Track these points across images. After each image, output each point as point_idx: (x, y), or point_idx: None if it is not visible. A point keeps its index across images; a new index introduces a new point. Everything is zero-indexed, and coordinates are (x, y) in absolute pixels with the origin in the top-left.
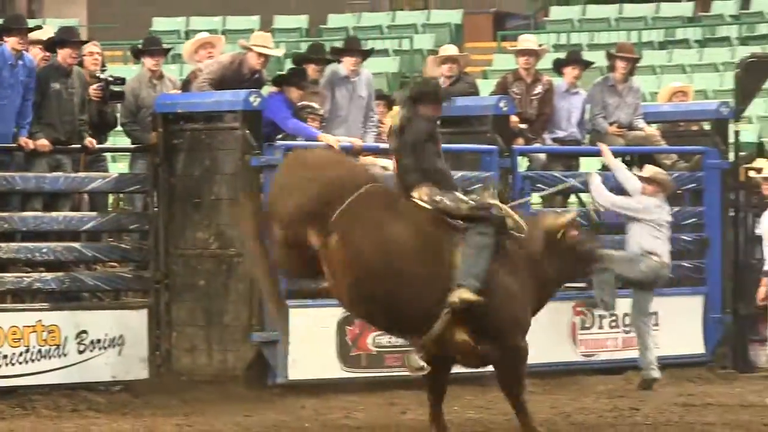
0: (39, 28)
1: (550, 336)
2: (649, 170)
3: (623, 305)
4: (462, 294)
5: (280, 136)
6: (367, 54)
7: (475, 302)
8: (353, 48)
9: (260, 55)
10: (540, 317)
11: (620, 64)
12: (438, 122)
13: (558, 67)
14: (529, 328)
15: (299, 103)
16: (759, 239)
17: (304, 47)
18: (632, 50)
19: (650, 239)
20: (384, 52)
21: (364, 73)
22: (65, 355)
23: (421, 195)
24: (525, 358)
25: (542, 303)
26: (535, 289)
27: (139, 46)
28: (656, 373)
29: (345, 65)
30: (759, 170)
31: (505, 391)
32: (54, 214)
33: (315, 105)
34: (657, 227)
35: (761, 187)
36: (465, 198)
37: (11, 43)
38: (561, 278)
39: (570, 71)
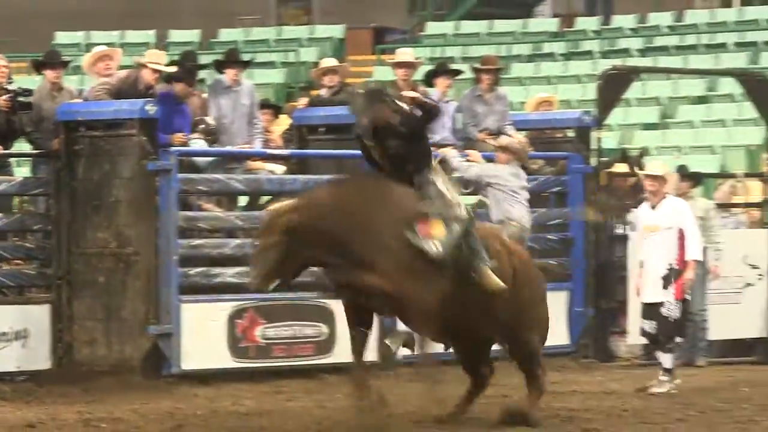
0: None
1: None
2: (503, 140)
3: None
4: None
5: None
6: (246, 65)
7: None
8: (233, 59)
9: (154, 71)
10: None
11: (485, 76)
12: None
13: (430, 78)
14: None
15: (196, 118)
16: (619, 238)
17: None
18: (496, 62)
19: (508, 206)
20: (271, 64)
21: (246, 83)
22: None
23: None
24: None
25: None
26: None
27: (41, 59)
28: None
29: (227, 75)
30: (620, 174)
31: None
32: None
33: (210, 121)
34: (513, 194)
35: (623, 187)
36: None
37: None
38: None
39: (442, 81)
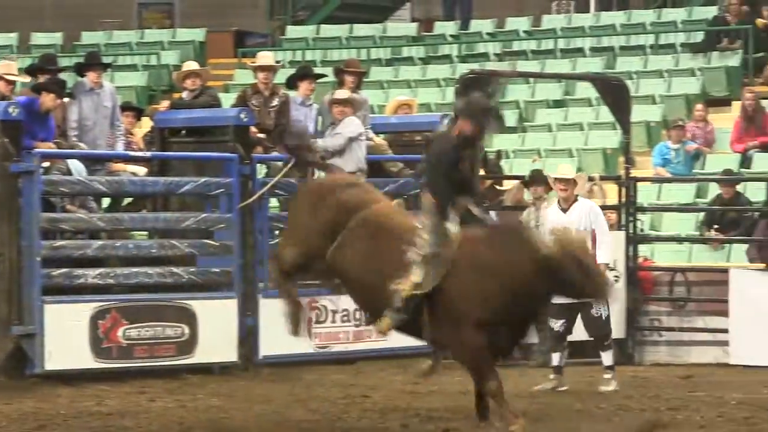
0: None
1: (286, 329)
2: (340, 93)
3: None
4: None
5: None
6: (106, 67)
7: None
8: (95, 62)
9: (8, 82)
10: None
11: (348, 79)
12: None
13: (291, 81)
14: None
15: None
16: None
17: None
18: (359, 65)
19: (360, 155)
20: (133, 67)
21: (107, 86)
22: None
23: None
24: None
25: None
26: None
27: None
28: None
29: (89, 78)
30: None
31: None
32: None
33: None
34: (366, 139)
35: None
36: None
37: None
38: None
39: (304, 85)
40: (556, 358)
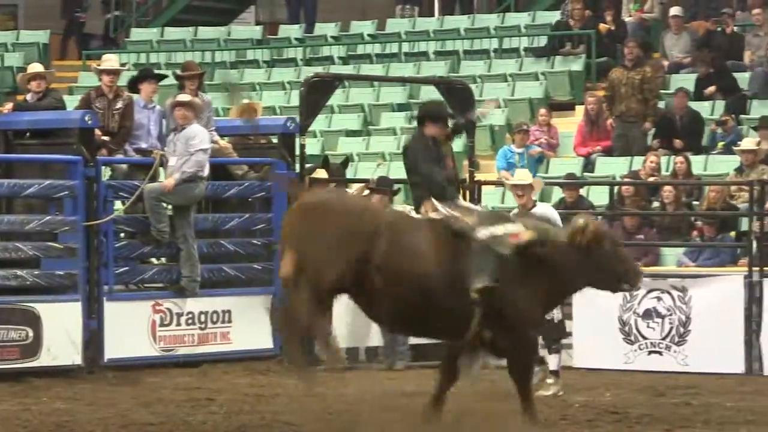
0: None
1: (131, 332)
2: (181, 96)
3: (200, 304)
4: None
5: None
6: None
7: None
8: None
9: None
10: (120, 315)
11: (188, 82)
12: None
13: (133, 83)
14: None
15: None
16: None
17: None
18: (196, 67)
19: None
20: None
21: None
22: None
23: (428, 209)
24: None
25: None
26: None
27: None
28: None
29: None
30: (322, 180)
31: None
32: None
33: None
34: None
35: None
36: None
37: None
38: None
39: (146, 87)
40: (552, 362)
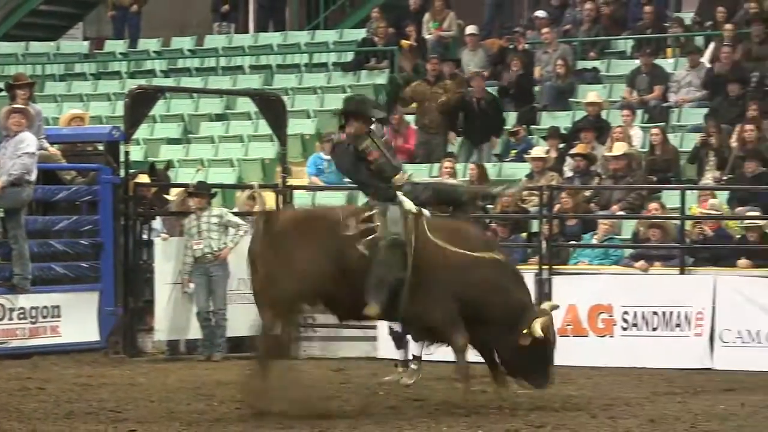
0: None
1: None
2: (16, 105)
3: (31, 300)
4: None
5: None
6: None
7: None
8: None
9: None
10: None
11: (20, 92)
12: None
13: None
14: None
15: None
16: (146, 243)
17: None
18: (26, 78)
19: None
20: None
21: None
22: None
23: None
24: None
25: None
26: None
27: None
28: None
29: None
30: (144, 184)
31: None
32: None
33: None
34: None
35: (148, 197)
36: None
37: None
38: None
39: None
40: (401, 354)
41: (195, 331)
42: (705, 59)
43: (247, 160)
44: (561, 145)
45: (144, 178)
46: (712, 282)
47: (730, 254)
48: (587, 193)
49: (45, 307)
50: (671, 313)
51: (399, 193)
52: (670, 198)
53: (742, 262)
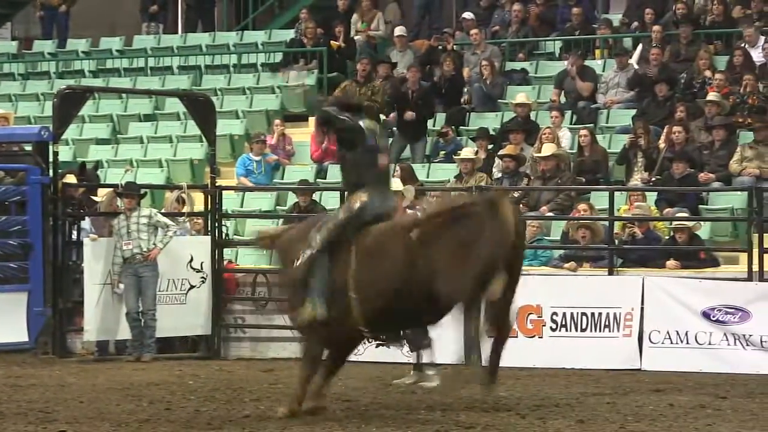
0: None
1: None
2: None
3: None
4: None
5: None
6: None
7: None
8: None
9: None
10: None
11: None
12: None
13: None
14: None
15: None
16: (75, 244)
17: None
18: None
19: None
20: None
21: None
22: None
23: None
24: None
25: None
26: None
27: None
28: None
29: None
30: (73, 184)
31: None
32: None
33: None
34: None
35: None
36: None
37: None
38: None
39: None
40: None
41: (124, 332)
42: (633, 60)
43: (176, 161)
44: (490, 146)
45: (72, 179)
46: (640, 283)
47: (659, 255)
48: (516, 194)
49: None
50: (600, 314)
51: None
52: (599, 199)
53: (671, 263)
